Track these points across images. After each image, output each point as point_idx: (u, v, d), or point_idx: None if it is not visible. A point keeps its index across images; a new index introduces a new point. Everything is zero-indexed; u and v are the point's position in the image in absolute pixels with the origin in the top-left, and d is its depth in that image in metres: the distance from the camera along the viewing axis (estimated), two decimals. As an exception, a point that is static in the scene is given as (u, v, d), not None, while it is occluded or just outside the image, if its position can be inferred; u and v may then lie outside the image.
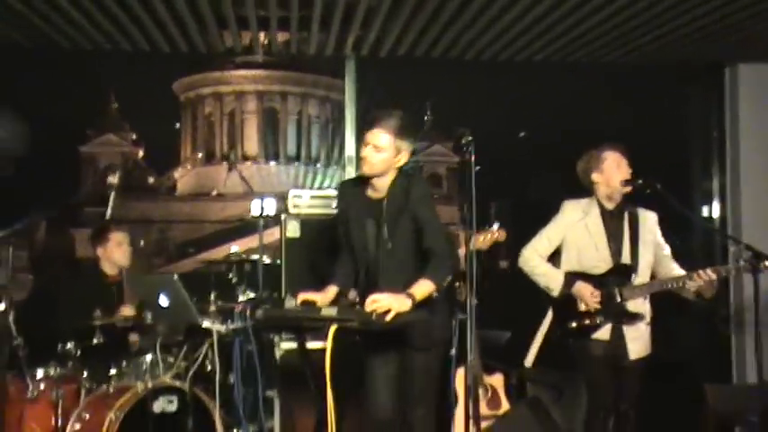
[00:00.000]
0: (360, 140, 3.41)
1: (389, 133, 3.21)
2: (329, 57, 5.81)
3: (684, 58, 5.77)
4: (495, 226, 4.10)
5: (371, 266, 3.33)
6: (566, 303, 3.78)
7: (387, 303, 2.95)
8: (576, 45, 5.36)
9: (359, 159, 3.40)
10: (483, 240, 4.06)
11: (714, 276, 3.61)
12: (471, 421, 3.13)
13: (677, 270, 3.80)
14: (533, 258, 3.85)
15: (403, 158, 3.25)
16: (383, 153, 3.21)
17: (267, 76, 39.16)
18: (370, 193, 3.35)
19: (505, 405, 4.52)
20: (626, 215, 3.81)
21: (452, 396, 3.75)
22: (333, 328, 2.90)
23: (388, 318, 2.93)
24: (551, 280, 3.79)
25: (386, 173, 3.27)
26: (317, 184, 36.83)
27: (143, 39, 5.25)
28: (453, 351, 3.17)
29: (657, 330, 3.88)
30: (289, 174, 38.77)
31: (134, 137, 38.97)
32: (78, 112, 34.69)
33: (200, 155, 40.04)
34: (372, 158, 3.23)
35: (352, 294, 3.42)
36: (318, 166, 40.13)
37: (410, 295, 3.02)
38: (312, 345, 3.56)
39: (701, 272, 3.63)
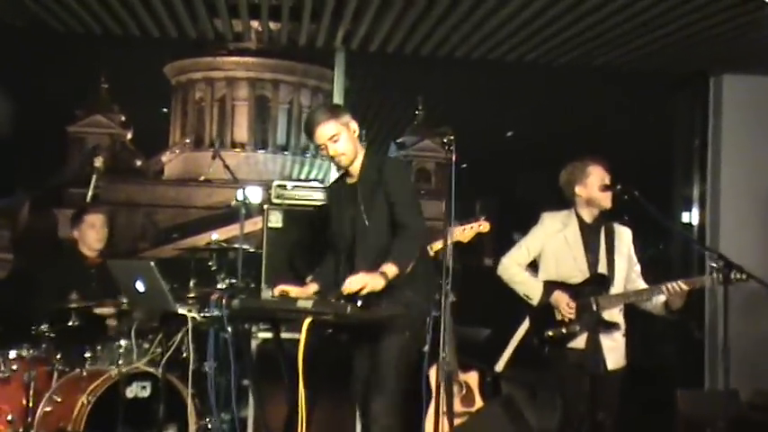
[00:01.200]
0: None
1: (329, 120, 3.28)
2: (321, 48, 5.81)
3: (670, 66, 5.82)
4: (481, 218, 4.11)
5: (349, 250, 3.33)
6: (543, 312, 3.80)
7: (360, 282, 2.99)
8: (564, 48, 5.40)
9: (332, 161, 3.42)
10: (464, 232, 4.06)
11: (686, 288, 3.65)
12: (444, 417, 3.15)
13: (643, 287, 3.85)
14: (512, 267, 3.88)
15: (355, 126, 3.34)
16: (341, 137, 3.28)
17: (260, 64, 38.92)
18: (349, 180, 3.41)
19: (479, 402, 4.54)
20: (603, 229, 3.85)
21: (425, 392, 3.77)
22: (307, 321, 2.91)
23: (363, 292, 2.97)
24: (530, 289, 3.83)
25: (357, 153, 3.34)
26: (304, 175, 36.74)
27: (133, 23, 5.23)
28: (426, 347, 3.18)
29: (631, 336, 3.91)
30: (276, 163, 38.63)
31: (123, 119, 38.65)
32: (67, 92, 34.37)
33: (188, 140, 39.81)
34: (338, 149, 3.30)
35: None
36: (307, 156, 40.01)
37: (383, 274, 3.05)
38: (288, 336, 3.57)
39: (674, 283, 3.67)
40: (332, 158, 3.35)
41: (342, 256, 3.38)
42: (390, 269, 3.07)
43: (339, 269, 3.37)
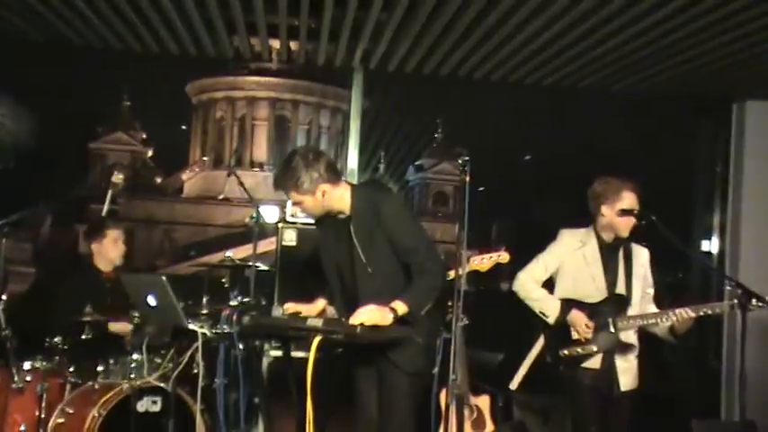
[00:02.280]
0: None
1: (290, 190, 3.19)
2: (340, 68, 5.85)
3: (693, 91, 5.78)
4: (501, 249, 4.09)
5: (348, 288, 3.27)
6: (559, 330, 3.76)
7: (369, 315, 2.95)
8: (584, 72, 5.39)
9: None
10: (482, 262, 4.04)
11: (693, 315, 3.61)
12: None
13: (653, 310, 3.81)
14: (528, 283, 3.85)
15: (324, 187, 3.16)
16: (304, 203, 3.21)
17: (280, 84, 39.29)
18: (338, 216, 3.30)
19: (490, 426, 4.50)
20: (621, 249, 3.82)
21: (434, 415, 3.73)
22: (317, 339, 2.89)
23: (367, 324, 2.93)
24: (547, 306, 3.78)
25: (328, 206, 3.23)
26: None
27: (153, 41, 5.29)
28: (436, 369, 3.15)
29: (648, 363, 3.86)
30: (295, 183, 38.82)
31: (144, 136, 39.10)
32: (90, 109, 34.87)
33: (207, 158, 40.14)
34: (304, 211, 3.31)
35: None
36: (325, 177, 40.08)
37: (392, 309, 3.01)
38: (298, 354, 3.55)
39: (681, 310, 3.63)
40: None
41: (338, 292, 3.33)
42: (401, 307, 3.02)
43: (337, 305, 3.32)
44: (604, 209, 3.76)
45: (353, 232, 3.19)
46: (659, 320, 3.72)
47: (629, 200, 3.73)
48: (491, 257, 4.07)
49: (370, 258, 3.17)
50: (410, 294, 3.07)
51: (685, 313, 3.61)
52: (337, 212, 3.26)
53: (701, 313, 3.63)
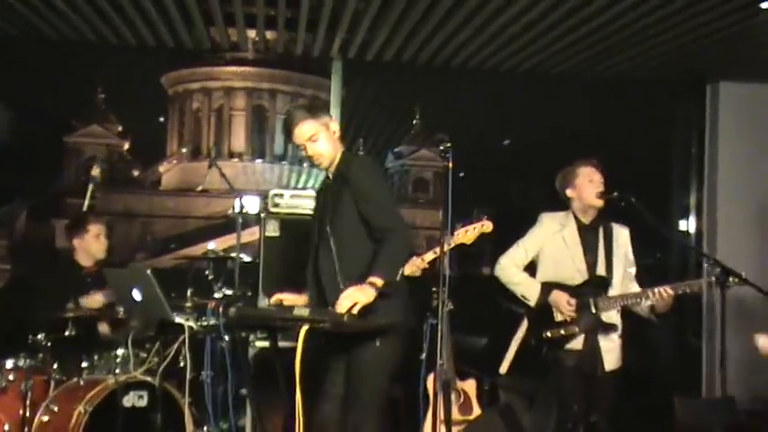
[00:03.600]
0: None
1: (306, 119, 3.19)
2: (318, 57, 5.84)
3: (667, 74, 5.85)
4: (483, 218, 4.09)
5: (315, 251, 3.25)
6: (541, 312, 3.82)
7: (353, 298, 2.92)
8: (560, 57, 5.42)
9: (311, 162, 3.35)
10: (467, 234, 4.05)
11: (671, 293, 3.66)
12: (442, 425, 3.14)
13: (635, 289, 3.87)
14: (510, 267, 3.89)
15: (335, 129, 3.24)
16: (320, 138, 3.19)
17: (257, 74, 39.00)
18: (328, 182, 3.33)
19: (477, 411, 4.54)
20: (601, 229, 3.87)
21: (422, 400, 3.77)
22: (304, 329, 2.90)
23: (355, 311, 2.90)
24: (528, 289, 3.83)
25: (335, 153, 3.23)
26: (301, 184, 36.73)
27: (129, 33, 5.24)
28: (423, 355, 3.17)
29: (629, 342, 3.92)
30: (274, 172, 38.66)
31: (120, 129, 38.67)
32: (64, 102, 34.37)
33: (185, 150, 39.83)
34: (317, 149, 3.20)
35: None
36: (304, 165, 40.00)
37: (372, 284, 2.97)
38: (285, 344, 3.56)
39: (660, 289, 3.68)
40: (310, 159, 3.25)
41: (310, 262, 3.30)
42: (378, 281, 2.98)
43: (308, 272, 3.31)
44: (569, 192, 3.85)
45: (330, 192, 3.20)
46: (639, 300, 3.78)
47: (584, 172, 3.81)
48: (474, 228, 4.06)
49: (335, 214, 3.16)
50: (382, 265, 3.02)
51: (664, 291, 3.67)
52: (331, 172, 3.25)
53: (680, 291, 3.69)
